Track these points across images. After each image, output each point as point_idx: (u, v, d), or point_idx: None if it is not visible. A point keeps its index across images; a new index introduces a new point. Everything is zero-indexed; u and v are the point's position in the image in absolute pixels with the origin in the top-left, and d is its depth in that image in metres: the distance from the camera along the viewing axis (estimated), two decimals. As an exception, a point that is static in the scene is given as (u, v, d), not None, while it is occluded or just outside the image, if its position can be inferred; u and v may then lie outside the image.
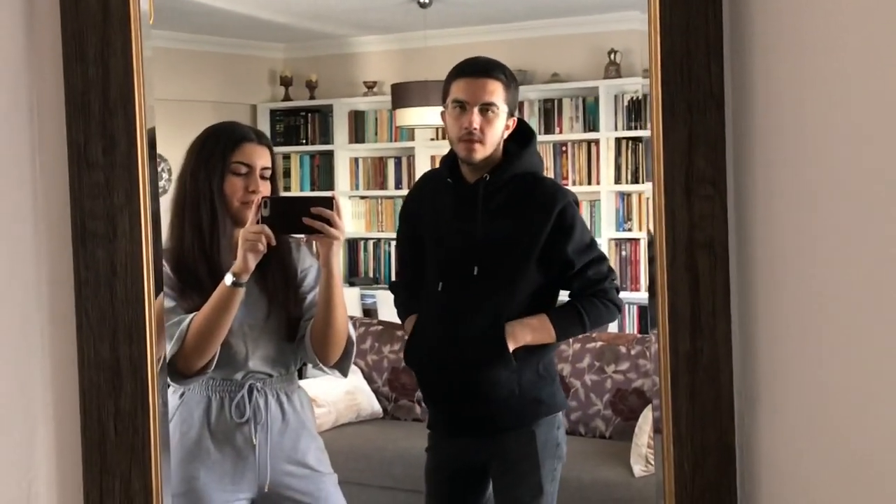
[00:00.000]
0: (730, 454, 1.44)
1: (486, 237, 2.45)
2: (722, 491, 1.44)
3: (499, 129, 2.45)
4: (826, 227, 1.40)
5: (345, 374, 2.22)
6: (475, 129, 2.42)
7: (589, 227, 5.79)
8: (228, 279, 2.04)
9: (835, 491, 1.42)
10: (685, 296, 1.43)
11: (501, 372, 2.44)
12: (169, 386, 2.16)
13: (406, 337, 2.60)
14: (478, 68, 2.46)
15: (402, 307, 2.67)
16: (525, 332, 2.44)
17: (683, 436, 1.44)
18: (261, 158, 2.17)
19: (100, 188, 1.47)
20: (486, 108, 2.43)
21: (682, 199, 1.42)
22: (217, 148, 2.15)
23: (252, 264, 2.05)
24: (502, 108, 2.44)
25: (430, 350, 2.53)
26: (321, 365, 2.19)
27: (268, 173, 2.18)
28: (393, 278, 2.85)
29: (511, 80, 2.48)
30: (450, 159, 2.53)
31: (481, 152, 2.45)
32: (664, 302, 1.43)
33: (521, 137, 2.51)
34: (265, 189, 2.15)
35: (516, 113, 2.48)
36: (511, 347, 2.42)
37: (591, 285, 2.47)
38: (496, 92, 2.43)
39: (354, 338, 2.21)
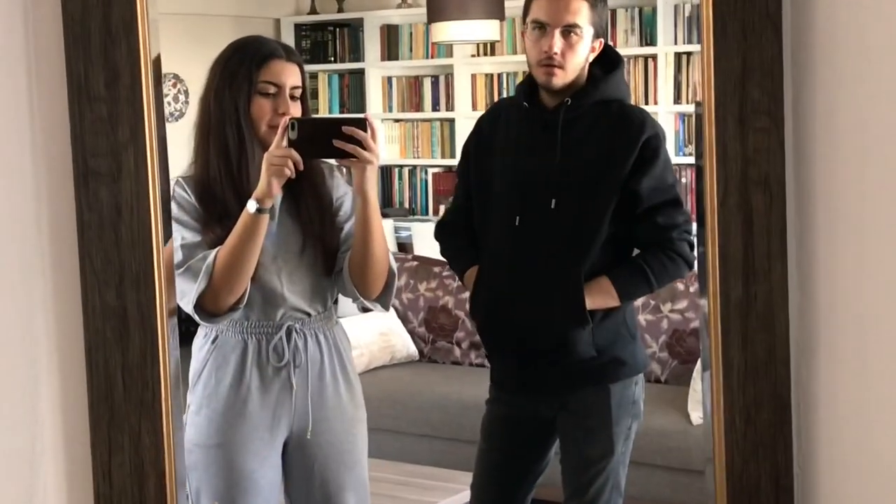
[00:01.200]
0: (785, 408, 1.45)
1: (566, 168, 2.43)
2: (777, 448, 1.46)
3: (582, 53, 2.42)
4: (893, 162, 1.39)
5: (386, 307, 2.24)
6: (556, 53, 2.40)
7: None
8: (251, 206, 2.05)
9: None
10: (737, 237, 1.43)
11: (579, 331, 2.44)
12: (196, 329, 2.20)
13: (471, 288, 2.57)
14: None
15: (458, 256, 2.64)
16: (588, 298, 2.43)
17: (735, 388, 1.45)
18: (291, 77, 2.16)
19: (102, 123, 1.48)
20: (568, 31, 2.40)
21: (735, 131, 1.42)
22: (243, 66, 2.14)
23: (276, 189, 2.05)
24: (587, 30, 2.41)
25: (498, 302, 2.52)
26: (362, 299, 2.21)
27: (298, 93, 2.17)
28: (439, 216, 2.83)
29: None
30: (526, 84, 2.51)
31: (562, 78, 2.42)
32: (714, 243, 1.44)
33: (607, 61, 2.48)
34: (295, 110, 2.15)
35: (605, 35, 2.45)
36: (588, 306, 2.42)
37: (659, 233, 2.44)
38: (580, 12, 2.40)
39: (395, 269, 2.23)
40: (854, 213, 1.42)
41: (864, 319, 1.44)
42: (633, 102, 2.58)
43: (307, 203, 2.20)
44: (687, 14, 5.54)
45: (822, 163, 1.42)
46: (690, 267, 2.48)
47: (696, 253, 2.42)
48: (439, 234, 2.72)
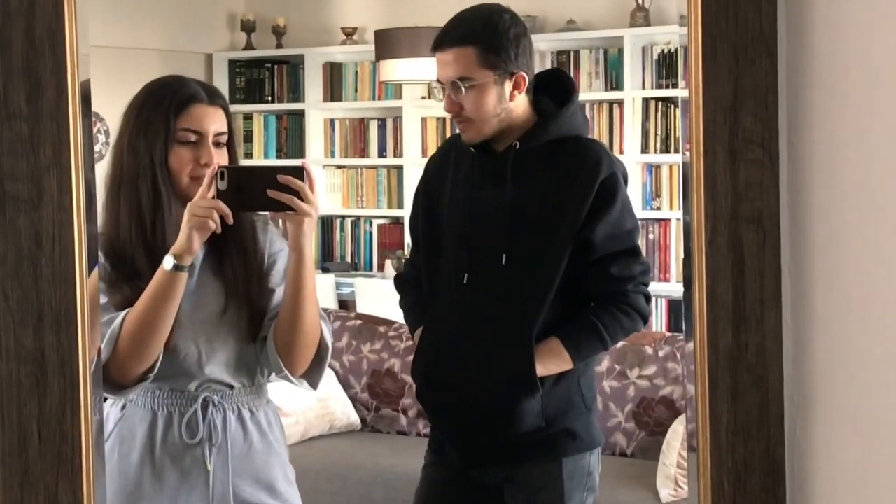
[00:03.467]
0: (778, 471, 1.44)
1: (518, 218, 2.43)
2: (769, 516, 1.44)
3: (490, 101, 2.41)
4: (897, 199, 1.40)
5: (315, 385, 2.19)
6: (453, 109, 2.42)
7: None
8: (168, 262, 2.00)
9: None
10: (727, 279, 1.43)
11: (527, 399, 2.42)
12: (106, 399, 2.15)
13: (416, 346, 2.57)
14: (441, 38, 2.43)
15: (412, 311, 2.64)
16: (538, 363, 2.41)
17: (723, 448, 1.44)
18: (214, 122, 2.13)
19: (23, 143, 1.45)
20: (457, 85, 2.40)
21: (725, 163, 1.42)
22: (159, 111, 2.10)
23: (197, 245, 2.02)
24: (482, 77, 2.40)
25: (440, 365, 2.51)
26: (287, 373, 2.16)
27: (223, 139, 2.14)
28: (384, 272, 2.82)
29: (494, 34, 2.42)
30: None
31: (475, 132, 2.43)
32: (702, 287, 1.43)
33: (560, 90, 2.49)
34: (220, 159, 2.11)
35: (525, 67, 2.44)
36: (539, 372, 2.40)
37: (612, 285, 2.43)
38: (466, 61, 2.40)
39: (330, 342, 2.18)
40: (856, 255, 1.42)
41: (866, 373, 1.43)
42: (592, 136, 2.59)
43: (232, 258, 2.15)
44: (655, 57, 5.61)
45: (821, 198, 1.43)
46: (645, 322, 2.48)
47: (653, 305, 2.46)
48: (397, 286, 2.72)
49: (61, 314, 1.45)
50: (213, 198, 2.01)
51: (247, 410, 2.19)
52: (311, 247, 2.07)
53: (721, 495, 1.45)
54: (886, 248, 1.41)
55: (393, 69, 5.44)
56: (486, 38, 2.41)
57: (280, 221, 2.17)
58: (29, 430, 1.46)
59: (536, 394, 2.40)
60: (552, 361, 2.42)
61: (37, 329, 1.46)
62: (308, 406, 4.29)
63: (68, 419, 1.45)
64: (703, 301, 1.44)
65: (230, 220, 2.03)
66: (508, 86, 2.41)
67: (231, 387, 2.17)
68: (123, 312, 2.03)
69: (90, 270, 1.48)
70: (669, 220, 5.56)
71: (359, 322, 4.65)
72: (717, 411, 1.45)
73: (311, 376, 2.18)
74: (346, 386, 4.48)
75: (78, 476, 1.45)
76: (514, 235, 2.42)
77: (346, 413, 4.42)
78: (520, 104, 2.44)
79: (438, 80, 2.44)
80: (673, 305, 5.39)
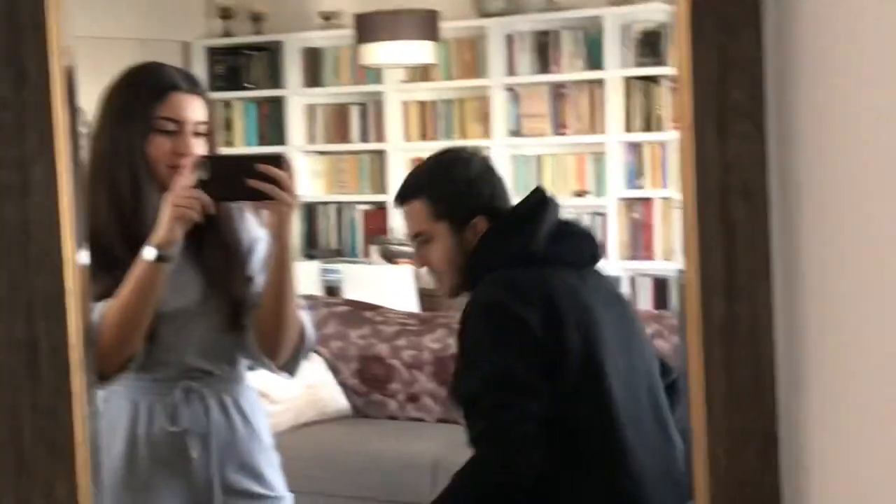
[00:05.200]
0: (772, 440, 1.45)
1: None
2: (764, 486, 1.45)
3: (447, 252, 2.33)
4: (885, 169, 1.40)
5: (293, 374, 2.20)
6: (422, 264, 2.39)
7: (594, 184, 5.81)
8: (150, 253, 1.99)
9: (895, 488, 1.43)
10: (718, 252, 1.43)
11: None
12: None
13: None
14: (397, 193, 2.39)
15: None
16: None
17: (718, 419, 1.45)
18: (193, 112, 2.12)
19: (9, 130, 1.45)
20: (420, 241, 2.37)
21: (713, 137, 1.43)
22: (138, 100, 2.09)
23: (178, 234, 2.01)
24: (436, 230, 2.33)
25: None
26: (267, 362, 2.16)
27: (203, 129, 2.13)
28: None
29: (441, 183, 2.35)
30: None
31: (444, 285, 2.38)
32: (693, 258, 1.44)
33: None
34: (199, 149, 2.10)
35: (485, 208, 2.33)
36: None
37: None
38: (417, 215, 2.35)
39: (311, 332, 2.19)
40: (846, 225, 1.43)
41: (857, 342, 1.44)
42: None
43: (210, 247, 2.15)
44: (635, 35, 5.61)
45: (809, 169, 1.43)
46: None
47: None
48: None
49: (51, 302, 1.45)
50: (195, 187, 2.00)
51: (228, 397, 2.19)
52: (291, 236, 2.07)
53: (717, 466, 1.46)
54: (875, 217, 1.42)
55: (373, 53, 5.43)
56: (433, 189, 2.35)
57: (260, 212, 2.17)
58: (23, 421, 1.46)
59: None
60: None
61: (27, 317, 1.45)
62: (297, 393, 4.29)
63: (61, 407, 1.45)
64: (694, 273, 1.45)
65: (212, 210, 2.02)
66: (469, 233, 2.33)
67: (212, 374, 2.17)
68: (103, 303, 2.02)
69: (79, 257, 1.47)
70: (652, 198, 5.58)
71: (346, 308, 4.65)
72: (711, 383, 1.45)
73: (291, 365, 2.19)
74: (335, 372, 4.48)
75: (73, 465, 1.45)
76: None
77: (335, 399, 4.43)
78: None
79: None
80: (659, 285, 5.41)
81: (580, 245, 2.40)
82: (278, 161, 2.03)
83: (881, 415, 1.44)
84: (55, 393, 1.45)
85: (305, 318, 2.18)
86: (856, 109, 1.41)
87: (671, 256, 5.40)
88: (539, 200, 2.37)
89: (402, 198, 2.38)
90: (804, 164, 1.44)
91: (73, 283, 1.46)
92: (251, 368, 2.26)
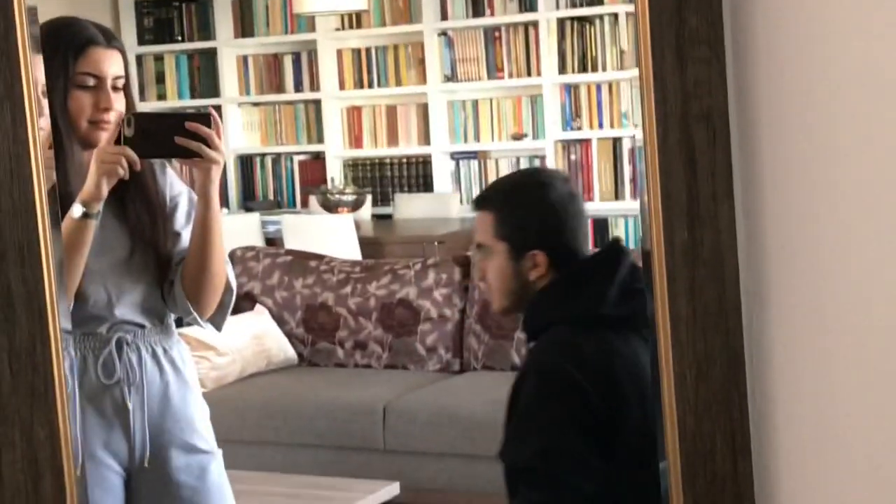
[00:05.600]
0: (738, 361, 1.48)
1: None
2: (731, 404, 1.48)
3: (503, 273, 2.23)
4: (841, 88, 1.43)
5: (219, 328, 2.23)
6: (479, 273, 2.31)
7: (532, 127, 5.84)
8: (76, 210, 2.01)
9: (858, 402, 1.47)
10: (680, 177, 1.46)
11: None
12: None
13: None
14: (475, 199, 2.40)
15: None
16: None
17: (684, 342, 1.48)
18: (112, 66, 2.12)
19: (-27, 77, 1.44)
20: (481, 252, 2.27)
21: (672, 64, 1.45)
22: (56, 55, 2.07)
23: (105, 191, 2.03)
24: (495, 247, 2.22)
25: None
26: (195, 316, 2.19)
27: (121, 83, 2.13)
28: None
29: (511, 204, 2.27)
30: None
31: (496, 301, 2.29)
32: (656, 185, 1.46)
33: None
34: (119, 103, 2.11)
35: (559, 245, 2.22)
36: None
37: None
38: (483, 226, 2.25)
39: (235, 285, 2.21)
40: (803, 146, 1.45)
41: (818, 262, 1.47)
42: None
43: (135, 203, 2.17)
44: (568, -23, 5.62)
45: (767, 93, 1.46)
46: None
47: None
48: None
49: (25, 247, 1.45)
50: (122, 144, 2.02)
51: (160, 348, 2.22)
52: (217, 192, 2.09)
53: (684, 387, 1.49)
54: (833, 139, 1.44)
55: (305, 1, 5.39)
56: (503, 206, 2.27)
57: (181, 168, 2.20)
58: (1, 366, 1.46)
59: None
60: None
61: (1, 264, 1.46)
62: (244, 344, 4.29)
63: (38, 352, 1.46)
64: (657, 199, 1.47)
65: (138, 167, 2.04)
66: (526, 263, 2.21)
67: (142, 326, 2.20)
68: None
69: (51, 202, 1.47)
70: (590, 139, 5.60)
71: (289, 258, 4.64)
72: (677, 306, 1.48)
73: (217, 319, 2.22)
74: (281, 322, 4.48)
75: (52, 408, 1.46)
76: None
77: (282, 349, 4.43)
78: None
79: None
80: (598, 226, 5.44)
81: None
82: (206, 119, 2.06)
83: (844, 332, 1.47)
84: (31, 338, 1.46)
85: (229, 271, 2.21)
86: (812, 30, 1.43)
87: (610, 197, 5.43)
88: (614, 255, 2.28)
89: (477, 204, 2.34)
90: (763, 87, 1.46)
91: (45, 229, 1.46)
92: (178, 324, 2.28)
